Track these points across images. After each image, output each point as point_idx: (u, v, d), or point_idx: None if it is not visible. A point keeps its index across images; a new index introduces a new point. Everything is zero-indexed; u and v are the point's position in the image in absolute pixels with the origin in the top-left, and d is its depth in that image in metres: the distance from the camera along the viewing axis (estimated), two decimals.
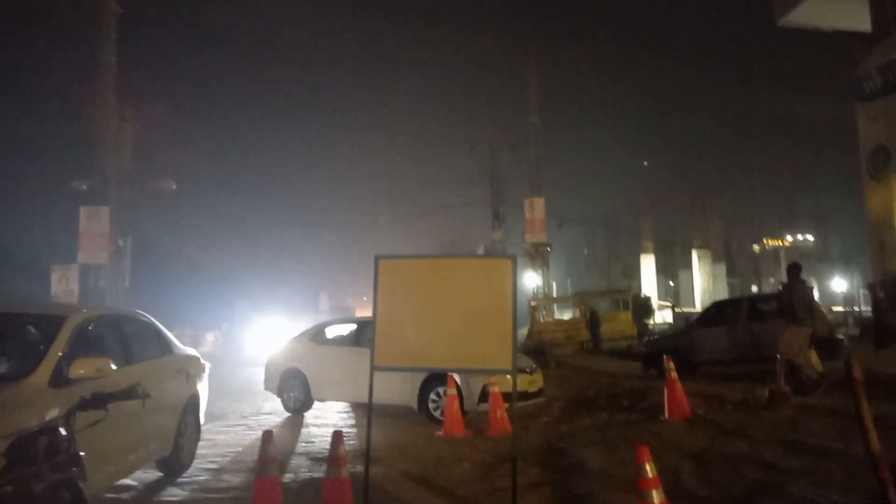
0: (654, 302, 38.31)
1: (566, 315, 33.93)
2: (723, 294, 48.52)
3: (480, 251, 35.45)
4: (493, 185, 33.86)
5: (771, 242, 58.60)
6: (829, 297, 49.76)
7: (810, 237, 58.49)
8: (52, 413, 3.93)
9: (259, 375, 11.93)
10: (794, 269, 9.07)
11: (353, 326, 10.81)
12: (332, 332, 11.15)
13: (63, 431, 2.76)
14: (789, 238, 57.55)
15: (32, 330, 4.71)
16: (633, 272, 56.46)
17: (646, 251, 55.15)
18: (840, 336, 12.19)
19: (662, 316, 38.56)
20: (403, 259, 5.50)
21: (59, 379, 4.31)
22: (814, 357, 8.96)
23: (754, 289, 57.31)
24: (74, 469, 2.79)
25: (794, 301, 8.63)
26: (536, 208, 31.82)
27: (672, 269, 58.05)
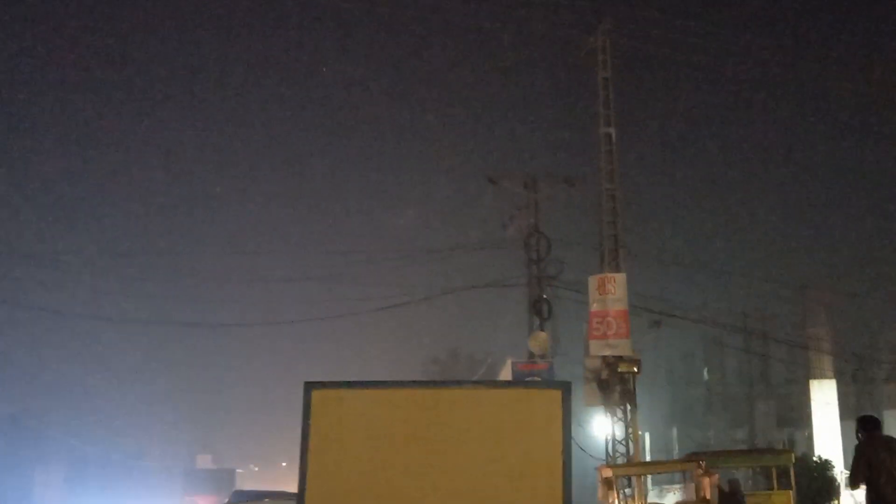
0: (839, 471, 36.33)
1: (671, 497, 33.60)
2: None
3: (505, 373, 33.20)
4: (532, 252, 31.14)
5: None
6: None
7: None
8: None
9: None
10: (867, 425, 10.49)
11: None
12: None
13: None
14: None
15: None
16: (799, 415, 53.06)
17: (821, 376, 51.44)
18: None
19: (853, 497, 35.58)
20: (361, 389, 5.52)
21: None
22: None
23: None
24: None
25: (864, 468, 10.15)
26: (612, 292, 29.03)
27: (870, 407, 51.74)
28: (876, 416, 11.46)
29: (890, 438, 10.85)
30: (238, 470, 57.37)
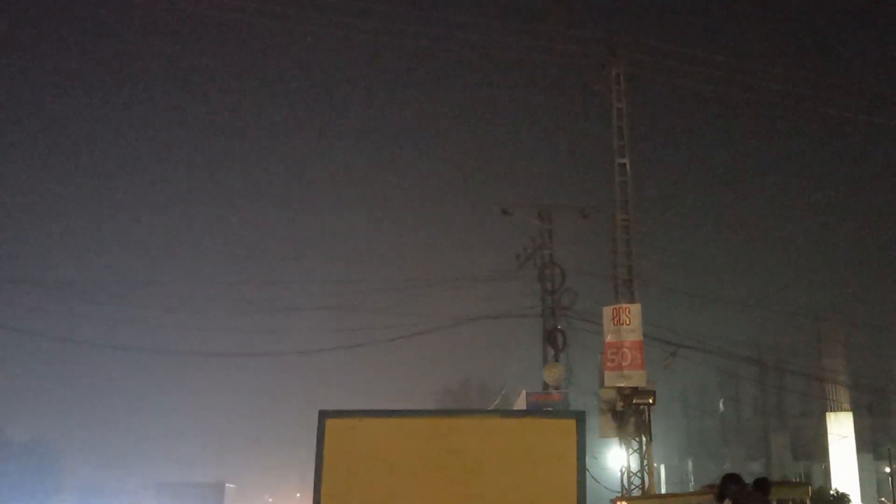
0: None
1: None
2: None
3: (520, 404, 32.29)
4: (546, 283, 31.03)
5: None
6: None
7: None
8: None
9: None
10: (741, 482, 10.58)
11: None
12: None
13: None
14: None
15: None
16: (815, 448, 52.34)
17: (838, 408, 50.85)
18: None
19: None
20: (374, 417, 5.32)
21: None
22: None
23: None
24: None
25: None
26: (626, 323, 28.31)
27: (887, 439, 52.97)
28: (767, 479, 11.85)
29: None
30: (229, 485, 54.48)
